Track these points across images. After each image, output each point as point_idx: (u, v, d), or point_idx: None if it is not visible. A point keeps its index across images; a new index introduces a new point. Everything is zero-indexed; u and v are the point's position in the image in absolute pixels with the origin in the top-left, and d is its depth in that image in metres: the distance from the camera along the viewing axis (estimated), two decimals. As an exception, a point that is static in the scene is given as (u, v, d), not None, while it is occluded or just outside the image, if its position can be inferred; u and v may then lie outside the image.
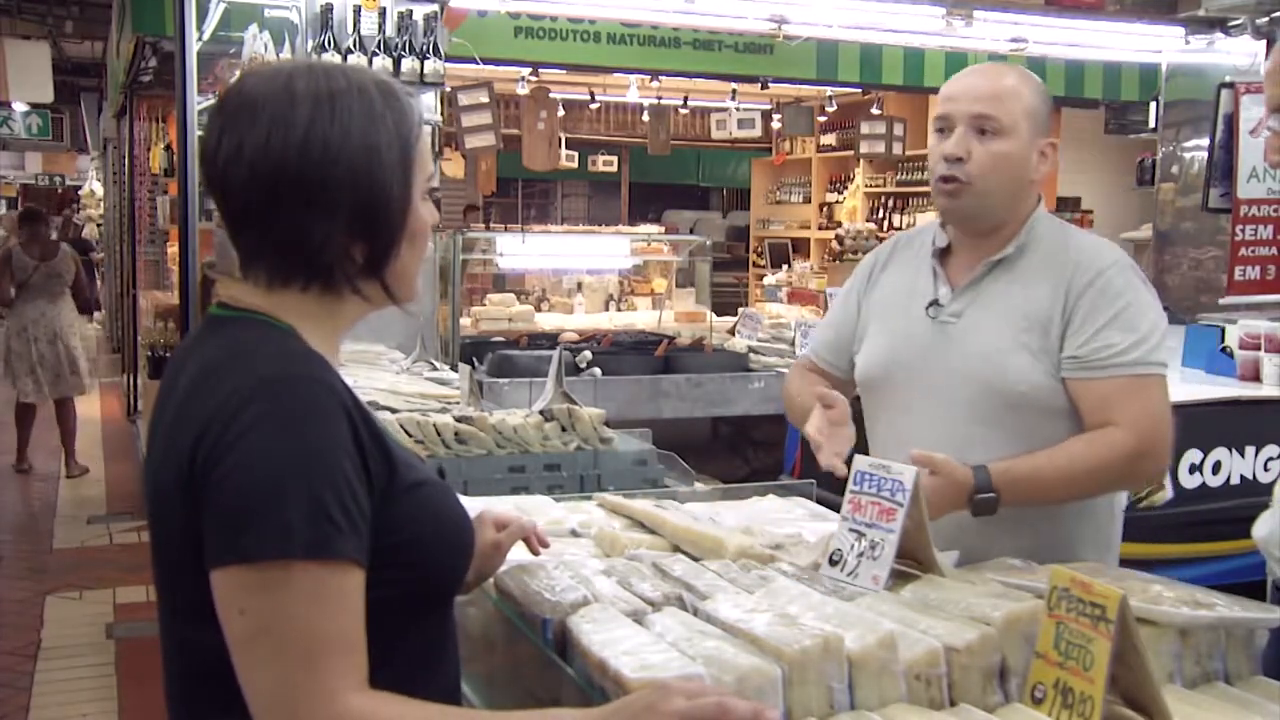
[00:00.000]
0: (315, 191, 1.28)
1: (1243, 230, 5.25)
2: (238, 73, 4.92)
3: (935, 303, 2.16)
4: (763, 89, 8.62)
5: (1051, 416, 2.05)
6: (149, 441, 1.35)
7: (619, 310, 8.18)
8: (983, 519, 2.04)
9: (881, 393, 2.24)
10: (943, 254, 2.21)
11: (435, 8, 4.87)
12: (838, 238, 10.12)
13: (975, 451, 2.01)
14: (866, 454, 1.84)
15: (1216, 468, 4.22)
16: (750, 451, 6.09)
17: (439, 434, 2.69)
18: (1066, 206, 9.46)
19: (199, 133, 4.26)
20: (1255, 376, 4.47)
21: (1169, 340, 2.08)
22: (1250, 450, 4.27)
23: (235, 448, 1.19)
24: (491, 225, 9.85)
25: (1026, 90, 2.11)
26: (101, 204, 17.75)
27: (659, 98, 10.17)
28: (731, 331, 6.74)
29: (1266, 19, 5.39)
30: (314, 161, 1.28)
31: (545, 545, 1.74)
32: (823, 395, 2.09)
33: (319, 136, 1.28)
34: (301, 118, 1.28)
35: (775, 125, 10.90)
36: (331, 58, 4.58)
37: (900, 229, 9.24)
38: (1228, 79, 5.34)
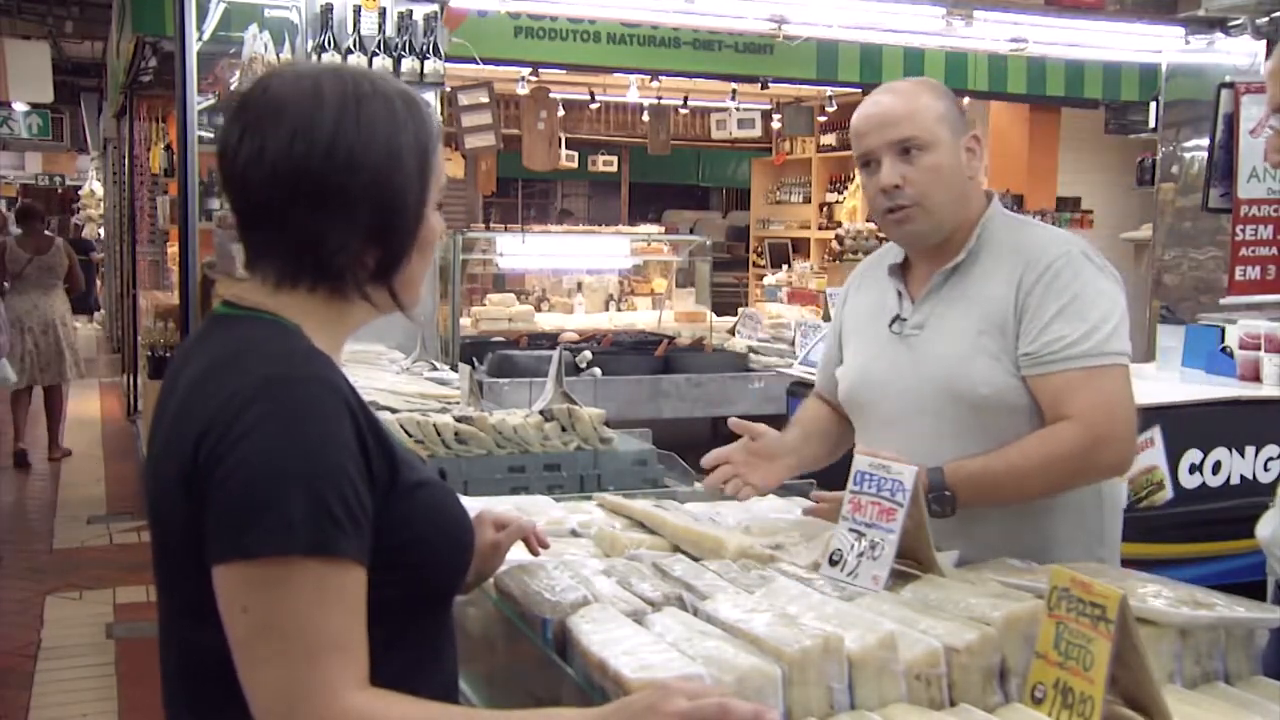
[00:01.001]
0: (335, 195, 1.29)
1: (1243, 230, 5.25)
2: (238, 73, 4.92)
3: (898, 318, 2.19)
4: (763, 89, 8.62)
5: (1019, 417, 2.05)
6: (150, 438, 1.35)
7: (619, 310, 8.18)
8: (972, 521, 2.05)
9: (860, 412, 2.27)
10: (902, 269, 2.23)
11: (435, 8, 4.87)
12: (838, 238, 10.12)
13: (949, 460, 2.03)
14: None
15: (1216, 468, 4.22)
16: (750, 451, 6.08)
17: (439, 434, 2.69)
18: (1066, 206, 9.45)
19: (200, 132, 4.27)
20: (1255, 376, 4.47)
21: (1124, 328, 2.04)
22: (1250, 450, 4.27)
23: (239, 445, 1.19)
24: (491, 225, 9.85)
25: (932, 99, 2.11)
26: (101, 204, 17.74)
27: (659, 98, 10.17)
28: (731, 331, 6.75)
29: (1266, 19, 5.39)
30: (337, 166, 1.28)
31: (545, 546, 1.74)
32: (752, 429, 2.20)
33: (344, 141, 1.29)
34: (327, 122, 1.29)
35: (775, 125, 10.90)
36: (331, 58, 4.58)
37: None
38: (1228, 79, 5.34)
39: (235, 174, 1.31)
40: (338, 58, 4.57)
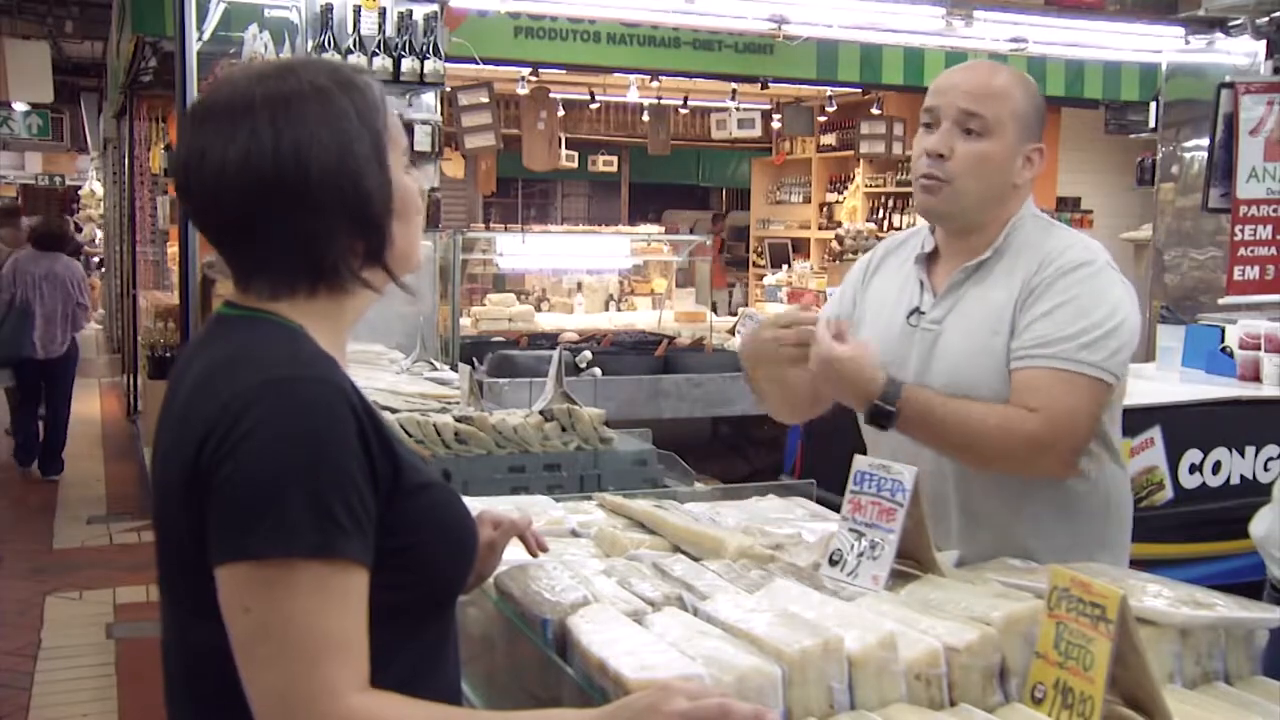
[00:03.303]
0: (299, 199, 1.28)
1: (1242, 230, 5.25)
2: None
3: (917, 310, 2.16)
4: (763, 89, 8.63)
5: None
6: (155, 438, 1.35)
7: (619, 310, 8.19)
8: (972, 523, 2.05)
9: None
10: (929, 260, 2.20)
11: (435, 8, 4.87)
12: (838, 238, 10.12)
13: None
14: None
15: (1216, 468, 4.22)
16: (750, 451, 6.10)
17: (439, 434, 2.69)
18: (1066, 206, 9.47)
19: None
20: (1255, 376, 4.47)
21: (1113, 343, 1.97)
22: (1250, 450, 4.27)
23: (242, 446, 1.19)
24: (491, 225, 9.85)
25: (1018, 92, 2.08)
26: (101, 204, 17.73)
27: (659, 98, 10.18)
28: (731, 331, 6.75)
29: (1266, 19, 5.39)
30: (290, 171, 1.27)
31: (544, 549, 1.74)
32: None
33: (288, 144, 1.27)
34: (265, 129, 1.27)
35: (775, 125, 10.91)
36: (331, 57, 4.58)
37: (900, 229, 9.24)
38: (1228, 79, 5.34)
39: (199, 199, 1.31)
40: (338, 58, 4.57)
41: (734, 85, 9.01)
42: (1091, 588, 1.33)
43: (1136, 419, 4.05)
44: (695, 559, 1.82)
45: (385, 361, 4.23)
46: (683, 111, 10.88)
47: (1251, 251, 5.27)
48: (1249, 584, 2.07)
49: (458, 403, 3.29)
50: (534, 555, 1.73)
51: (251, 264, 1.33)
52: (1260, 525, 2.10)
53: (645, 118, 10.86)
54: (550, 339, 6.06)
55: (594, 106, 10.73)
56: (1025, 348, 2.00)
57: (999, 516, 2.07)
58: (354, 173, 1.30)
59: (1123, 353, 2.01)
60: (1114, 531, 2.17)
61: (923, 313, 2.15)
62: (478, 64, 6.20)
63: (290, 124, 1.28)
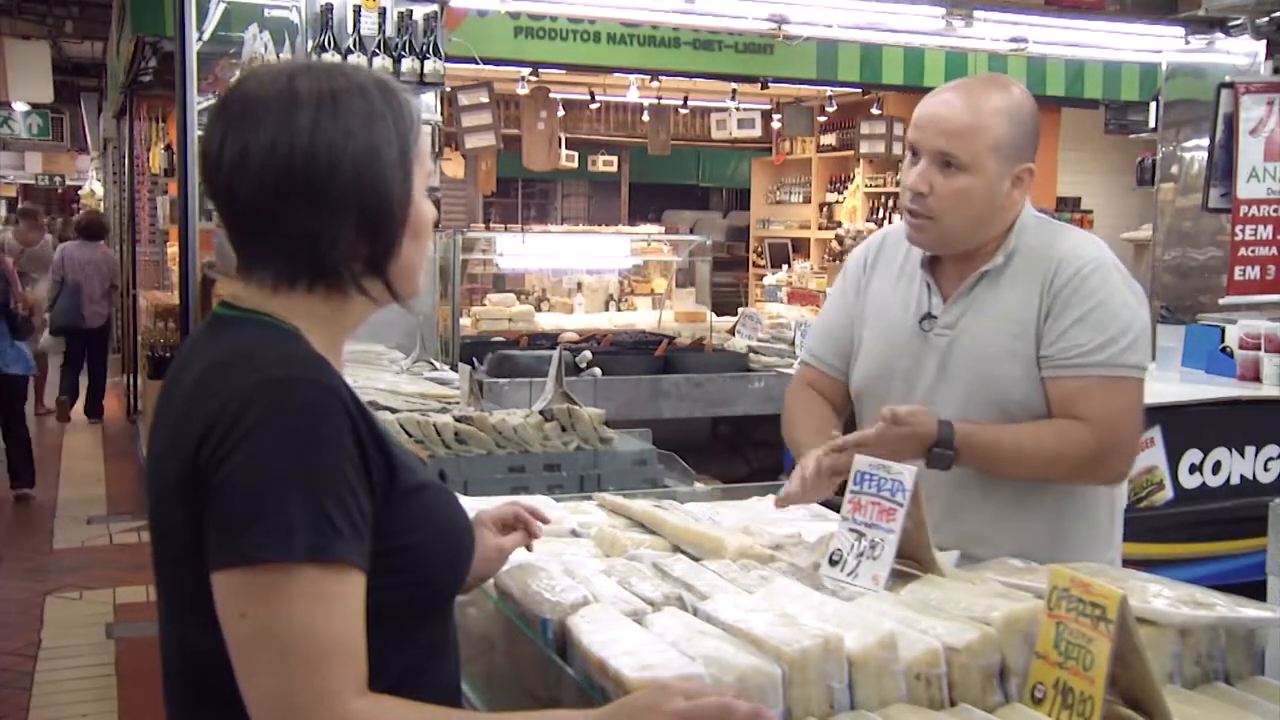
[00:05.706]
0: (321, 194, 1.28)
1: (1243, 230, 5.26)
2: (238, 73, 4.93)
3: (929, 315, 2.16)
4: (763, 89, 8.63)
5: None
6: (151, 440, 1.35)
7: (619, 310, 8.18)
8: (978, 517, 2.05)
9: (877, 404, 2.21)
10: (933, 263, 2.19)
11: (435, 8, 4.87)
12: (838, 238, 10.11)
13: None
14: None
15: (1216, 468, 4.22)
16: (750, 451, 6.09)
17: (439, 434, 2.69)
18: (1066, 206, 9.46)
19: (199, 133, 4.27)
20: (1255, 376, 4.47)
21: (1144, 342, 2.05)
22: (1250, 450, 4.26)
23: (238, 450, 1.19)
24: (491, 225, 9.86)
25: (1000, 121, 2.04)
26: (101, 204, 17.73)
27: (659, 98, 10.18)
28: (731, 331, 6.75)
29: (1266, 19, 5.39)
30: (320, 164, 1.28)
31: (545, 520, 1.75)
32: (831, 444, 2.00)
33: (323, 139, 1.28)
34: (305, 120, 1.28)
35: (775, 125, 10.91)
36: (331, 58, 4.58)
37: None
38: (1228, 79, 5.34)
39: (221, 181, 1.31)
40: (338, 58, 4.57)
41: (734, 85, 9.02)
42: (1091, 588, 1.33)
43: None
44: (695, 559, 1.82)
45: (385, 361, 4.23)
46: (683, 111, 10.88)
47: (1252, 251, 5.27)
48: (1249, 584, 2.07)
49: (458, 403, 3.29)
50: (533, 535, 1.72)
51: (259, 252, 1.33)
52: None
53: (645, 118, 10.86)
54: (550, 339, 6.05)
55: (594, 106, 10.73)
56: (1065, 356, 2.02)
57: (1008, 518, 2.07)
58: (378, 178, 1.31)
59: (1145, 346, 2.07)
60: (1116, 530, 2.20)
61: (934, 317, 2.14)
62: (478, 64, 6.19)
63: (331, 120, 1.29)
